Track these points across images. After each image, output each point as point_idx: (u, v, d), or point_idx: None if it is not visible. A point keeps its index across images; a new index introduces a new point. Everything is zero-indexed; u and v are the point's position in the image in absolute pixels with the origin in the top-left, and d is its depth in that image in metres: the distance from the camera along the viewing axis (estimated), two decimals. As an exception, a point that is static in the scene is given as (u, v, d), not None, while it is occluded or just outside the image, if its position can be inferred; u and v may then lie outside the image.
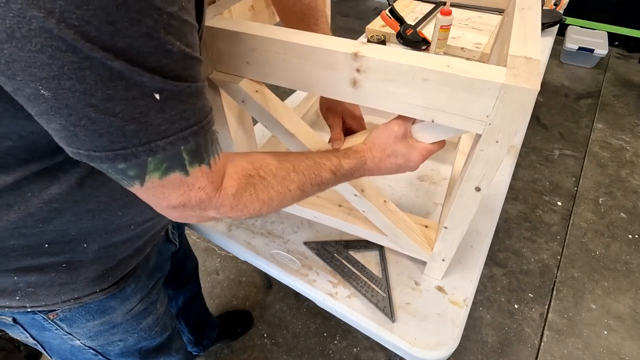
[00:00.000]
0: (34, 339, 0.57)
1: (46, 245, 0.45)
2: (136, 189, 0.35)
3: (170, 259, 0.76)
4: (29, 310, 0.51)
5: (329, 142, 0.63)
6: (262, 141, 0.92)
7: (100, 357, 0.64)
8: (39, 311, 0.52)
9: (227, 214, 0.42)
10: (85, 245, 0.48)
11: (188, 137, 0.33)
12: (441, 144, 0.55)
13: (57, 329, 0.55)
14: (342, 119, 0.67)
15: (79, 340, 0.59)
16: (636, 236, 1.70)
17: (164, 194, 0.37)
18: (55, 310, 0.53)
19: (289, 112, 0.60)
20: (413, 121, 0.53)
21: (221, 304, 1.50)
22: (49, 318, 0.53)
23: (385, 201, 0.68)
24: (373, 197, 0.66)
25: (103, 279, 0.53)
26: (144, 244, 0.58)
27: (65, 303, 0.52)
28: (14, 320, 0.53)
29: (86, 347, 0.61)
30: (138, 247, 0.56)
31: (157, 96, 0.30)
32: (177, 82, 0.31)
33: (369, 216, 0.67)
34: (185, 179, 0.36)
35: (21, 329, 0.55)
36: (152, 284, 0.64)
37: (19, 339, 0.58)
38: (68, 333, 0.57)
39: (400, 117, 0.53)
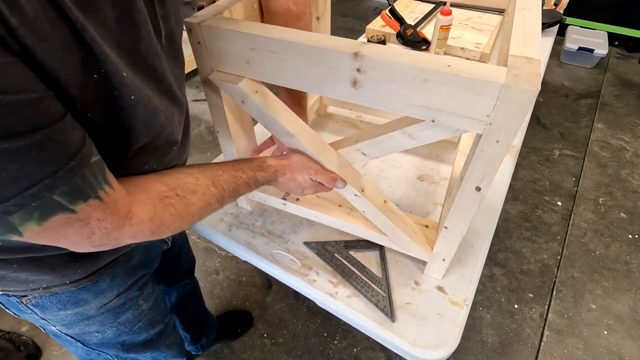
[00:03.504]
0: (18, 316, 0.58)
1: (1, 243, 0.44)
2: (19, 238, 0.33)
3: (160, 256, 0.75)
4: (1, 292, 0.52)
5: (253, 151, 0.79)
6: (262, 140, 0.91)
7: (80, 344, 0.65)
8: (12, 294, 0.52)
9: (148, 238, 0.43)
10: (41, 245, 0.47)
11: (42, 191, 0.31)
12: (333, 186, 0.63)
13: (31, 313, 0.56)
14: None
15: (54, 326, 0.60)
16: (636, 236, 1.70)
17: (57, 234, 0.35)
18: (26, 295, 0.53)
19: (288, 112, 0.60)
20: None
21: (221, 304, 1.50)
22: (22, 302, 0.54)
23: (385, 201, 0.68)
24: (373, 197, 0.66)
25: (71, 271, 0.52)
26: None
27: (35, 291, 0.52)
28: None
29: (63, 334, 0.62)
30: None
31: None
32: None
33: (369, 216, 0.67)
34: (74, 216, 0.34)
35: (2, 306, 0.56)
36: (133, 280, 0.64)
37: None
38: (42, 319, 0.57)
39: (324, 171, 0.62)
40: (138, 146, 0.45)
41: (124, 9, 0.37)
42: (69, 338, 0.63)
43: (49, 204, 0.32)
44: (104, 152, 0.37)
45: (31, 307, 0.55)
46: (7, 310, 0.58)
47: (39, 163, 0.30)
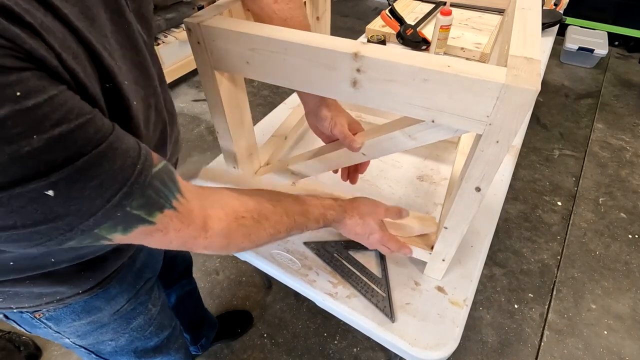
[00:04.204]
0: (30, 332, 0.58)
1: (11, 263, 0.44)
2: (108, 243, 0.35)
3: (162, 257, 0.75)
4: (15, 310, 0.51)
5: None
6: (262, 141, 0.91)
7: (93, 355, 0.65)
8: (25, 311, 0.52)
9: (217, 252, 0.45)
10: (52, 260, 0.47)
11: (122, 200, 0.32)
12: (399, 249, 0.64)
13: (45, 327, 0.56)
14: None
15: (69, 338, 0.59)
16: (636, 236, 1.70)
17: (141, 241, 0.37)
18: (40, 310, 0.53)
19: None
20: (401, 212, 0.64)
21: (221, 304, 1.50)
22: (36, 317, 0.54)
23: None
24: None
25: (83, 280, 0.52)
26: (121, 246, 0.56)
27: (49, 304, 0.52)
28: (5, 316, 0.54)
29: (77, 346, 0.62)
30: (116, 249, 0.55)
31: (52, 193, 0.28)
32: (67, 167, 0.28)
33: (369, 216, 0.67)
34: (153, 227, 0.36)
35: (15, 324, 0.56)
36: (141, 284, 0.63)
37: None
38: (56, 332, 0.57)
39: (391, 208, 0.63)
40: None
41: (113, 9, 0.37)
42: (83, 350, 0.63)
43: (130, 217, 0.33)
44: None
45: (45, 321, 0.55)
46: (20, 327, 0.57)
47: (112, 174, 0.31)
